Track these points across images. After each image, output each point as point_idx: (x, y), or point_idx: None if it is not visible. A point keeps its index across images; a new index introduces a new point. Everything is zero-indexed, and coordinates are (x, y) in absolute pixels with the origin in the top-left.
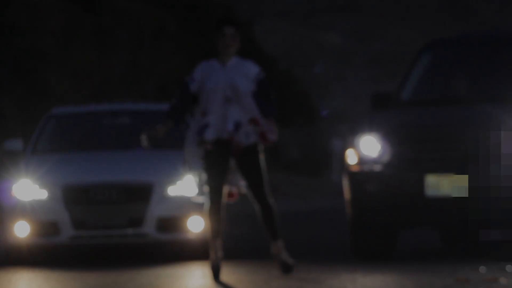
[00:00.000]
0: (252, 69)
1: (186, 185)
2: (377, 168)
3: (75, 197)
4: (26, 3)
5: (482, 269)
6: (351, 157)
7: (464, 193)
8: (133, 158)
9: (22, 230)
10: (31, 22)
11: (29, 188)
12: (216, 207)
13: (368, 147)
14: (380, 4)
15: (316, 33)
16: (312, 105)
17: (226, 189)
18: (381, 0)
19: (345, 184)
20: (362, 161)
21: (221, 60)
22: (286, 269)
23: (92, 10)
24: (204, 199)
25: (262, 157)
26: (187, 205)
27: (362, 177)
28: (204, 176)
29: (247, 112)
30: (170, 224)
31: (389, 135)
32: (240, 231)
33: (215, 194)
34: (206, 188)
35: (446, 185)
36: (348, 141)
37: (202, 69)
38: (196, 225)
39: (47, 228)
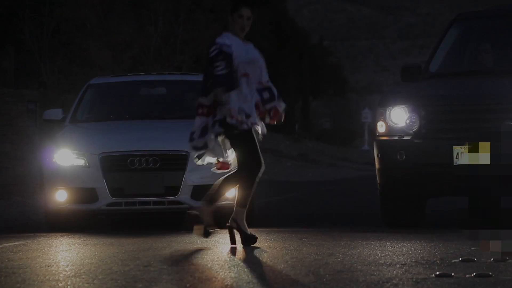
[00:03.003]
0: (257, 52)
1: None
2: (406, 138)
3: (113, 165)
4: None
5: (505, 235)
6: (381, 128)
7: (488, 161)
8: (169, 127)
9: (61, 196)
10: None
11: (68, 156)
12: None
13: (397, 118)
14: None
15: (348, 5)
16: (344, 76)
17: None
18: None
19: (375, 153)
20: (391, 131)
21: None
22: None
23: None
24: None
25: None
26: (221, 174)
27: (392, 147)
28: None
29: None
30: (205, 192)
31: (418, 106)
32: (270, 200)
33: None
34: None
35: (473, 154)
36: (378, 112)
37: (232, 42)
38: (231, 193)
39: (85, 195)
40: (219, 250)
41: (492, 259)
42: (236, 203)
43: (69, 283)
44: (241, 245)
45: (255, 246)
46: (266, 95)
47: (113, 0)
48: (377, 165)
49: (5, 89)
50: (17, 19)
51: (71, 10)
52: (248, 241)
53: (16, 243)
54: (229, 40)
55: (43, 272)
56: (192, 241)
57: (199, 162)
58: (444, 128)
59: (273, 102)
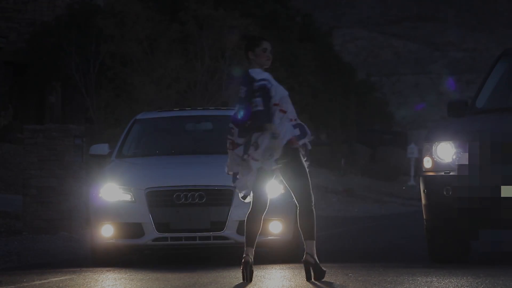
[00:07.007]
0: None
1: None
2: (453, 173)
3: (159, 200)
4: (113, 12)
5: None
6: (427, 163)
7: None
8: (215, 162)
9: (107, 231)
10: (118, 29)
11: (114, 191)
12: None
13: (444, 154)
14: (455, 13)
15: (393, 41)
16: (389, 111)
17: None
18: (456, 9)
19: (422, 189)
20: (438, 167)
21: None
22: None
23: (177, 18)
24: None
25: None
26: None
27: (438, 182)
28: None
29: None
30: None
31: (465, 142)
32: (316, 235)
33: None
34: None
35: None
36: (424, 148)
37: (269, 77)
38: (276, 228)
39: (132, 230)
40: (264, 285)
41: None
42: (309, 236)
43: None
44: (290, 281)
45: (301, 282)
46: (297, 131)
47: (159, 35)
48: (423, 201)
49: (52, 124)
50: (64, 55)
51: (117, 46)
52: (322, 275)
53: (62, 277)
54: (266, 75)
55: None
56: (237, 276)
57: (248, 200)
58: (490, 164)
59: (305, 138)
